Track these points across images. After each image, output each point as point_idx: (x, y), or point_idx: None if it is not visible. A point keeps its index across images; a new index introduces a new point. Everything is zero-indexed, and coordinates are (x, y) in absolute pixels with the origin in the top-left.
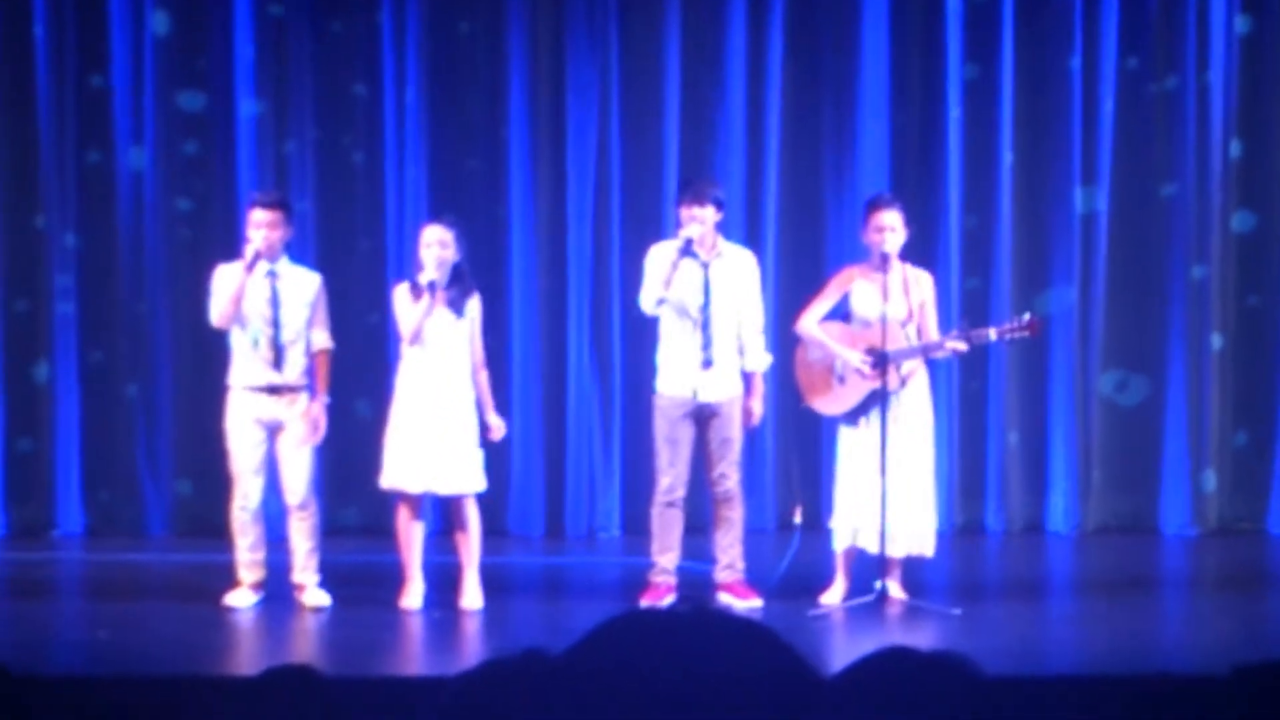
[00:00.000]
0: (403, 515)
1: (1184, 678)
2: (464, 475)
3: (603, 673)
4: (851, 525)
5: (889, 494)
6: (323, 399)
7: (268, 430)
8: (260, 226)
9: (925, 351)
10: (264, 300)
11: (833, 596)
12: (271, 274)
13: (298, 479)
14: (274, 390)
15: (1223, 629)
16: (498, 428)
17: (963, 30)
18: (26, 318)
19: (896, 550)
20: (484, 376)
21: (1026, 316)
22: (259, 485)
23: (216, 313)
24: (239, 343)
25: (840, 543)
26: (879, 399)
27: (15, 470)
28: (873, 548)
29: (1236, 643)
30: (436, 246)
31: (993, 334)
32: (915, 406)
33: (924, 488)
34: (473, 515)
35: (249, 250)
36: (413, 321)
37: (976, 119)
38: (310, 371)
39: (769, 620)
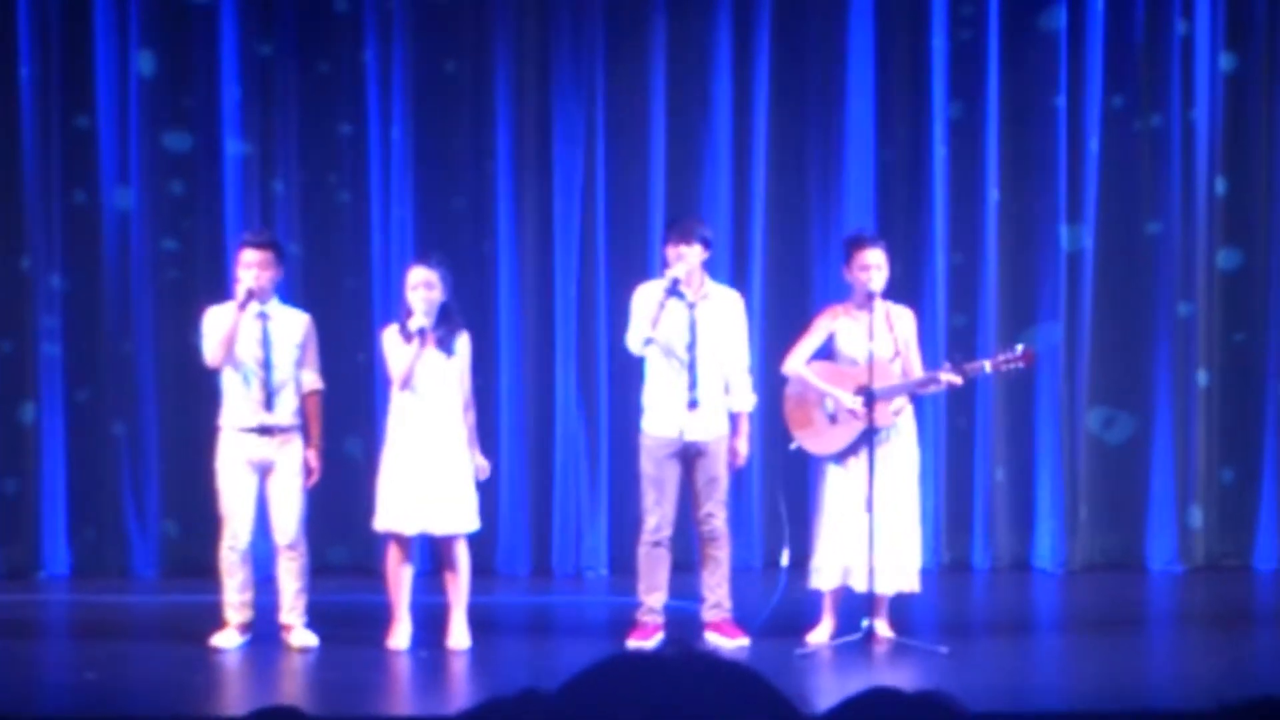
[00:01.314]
0: (393, 556)
1: (1171, 714)
2: (458, 515)
3: (592, 714)
4: (841, 565)
5: (877, 532)
6: (317, 444)
7: (258, 471)
8: (251, 266)
9: (915, 387)
10: (255, 341)
11: (820, 635)
12: (263, 315)
13: (287, 519)
14: (265, 431)
15: (1209, 666)
16: (482, 468)
17: (948, 68)
18: (12, 358)
19: (885, 588)
20: (471, 416)
21: (1020, 348)
22: (248, 525)
23: (210, 353)
24: (230, 384)
25: (827, 582)
26: (868, 437)
27: (1, 511)
28: (861, 586)
29: (1223, 679)
30: (423, 288)
31: (988, 366)
32: (902, 444)
33: (910, 525)
34: (463, 555)
35: (241, 289)
36: (403, 366)
37: (962, 157)
38: (301, 412)
39: (756, 660)
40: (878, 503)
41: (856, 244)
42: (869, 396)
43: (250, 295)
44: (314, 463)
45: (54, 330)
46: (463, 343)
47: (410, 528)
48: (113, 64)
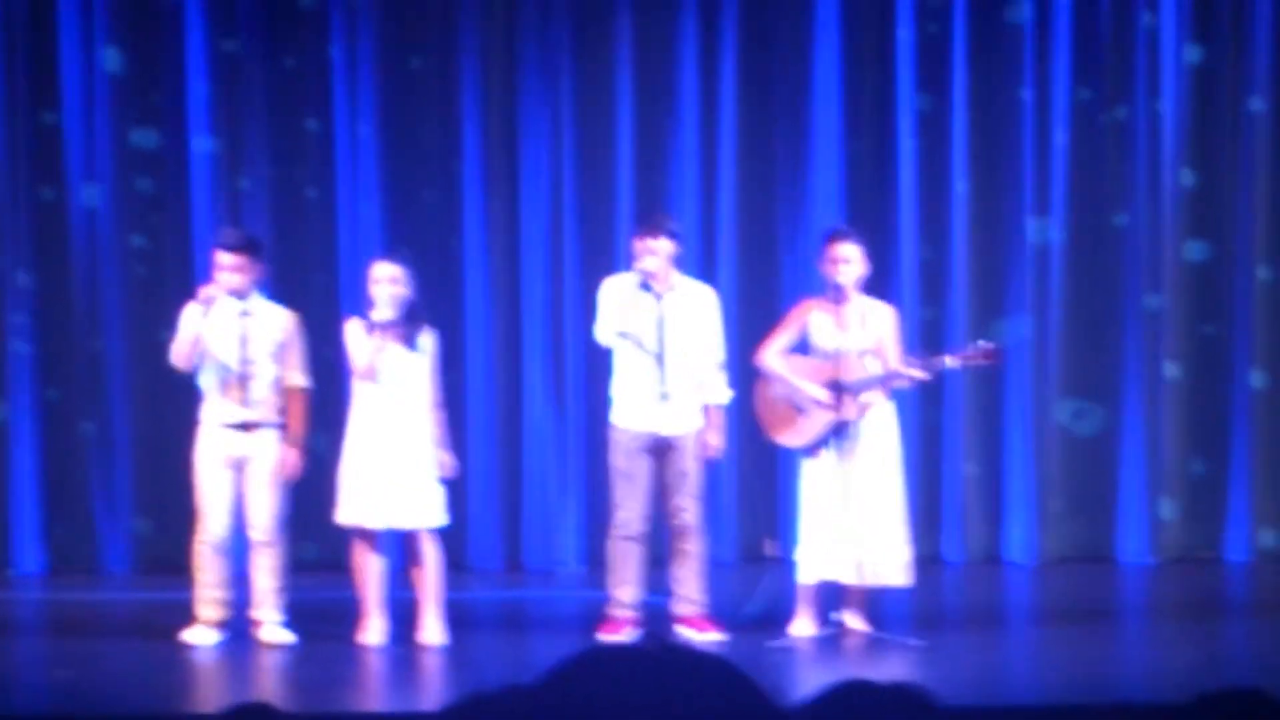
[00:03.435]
0: (359, 550)
1: (1145, 706)
2: (424, 509)
3: (571, 706)
4: (818, 558)
5: (853, 525)
6: (296, 441)
7: (235, 466)
8: (222, 269)
9: (884, 381)
10: (234, 338)
11: (799, 629)
12: (244, 313)
13: (263, 515)
14: (245, 427)
15: (1182, 657)
16: (449, 465)
17: (914, 61)
18: None
19: (863, 580)
20: (440, 415)
21: (984, 343)
22: (225, 521)
23: (177, 355)
24: (208, 380)
25: (808, 576)
26: (840, 430)
27: None
28: (841, 579)
29: (1196, 671)
30: (387, 283)
31: (950, 360)
32: (879, 436)
33: (894, 517)
34: (431, 550)
35: (202, 295)
36: (365, 357)
37: (930, 150)
38: (281, 409)
39: (729, 653)
40: (858, 497)
41: (830, 238)
42: (838, 389)
43: (209, 301)
44: (294, 460)
45: (23, 328)
46: (428, 340)
47: (374, 521)
48: (78, 61)
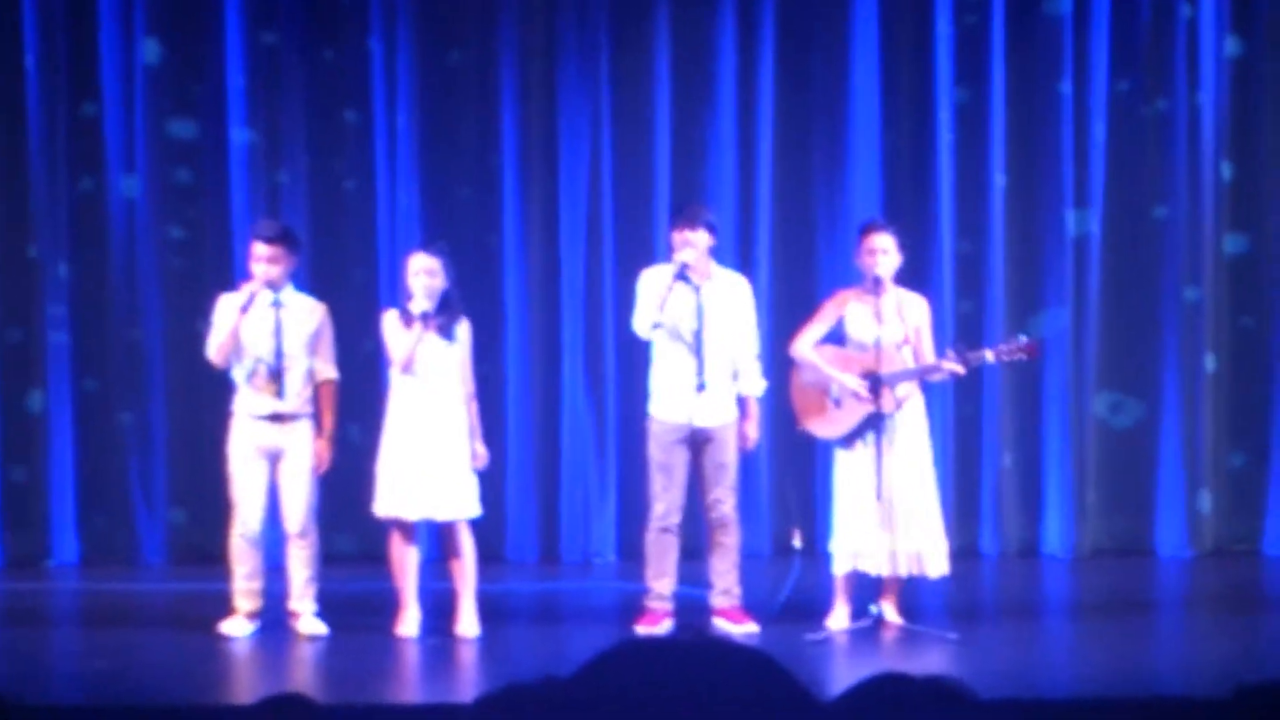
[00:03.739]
0: (396, 542)
1: (1182, 700)
2: (459, 501)
3: (607, 699)
4: (851, 549)
5: (887, 517)
6: (328, 433)
7: (269, 458)
8: (260, 261)
9: (921, 374)
10: (267, 330)
11: (836, 621)
12: (276, 304)
13: (297, 507)
14: (276, 418)
15: (1220, 651)
16: (481, 456)
17: (953, 54)
18: (19, 347)
19: (898, 571)
20: (474, 405)
21: (1024, 338)
22: (259, 512)
23: (213, 348)
24: (242, 372)
25: (840, 567)
26: (875, 422)
27: (9, 500)
28: (873, 571)
29: (1234, 665)
30: (424, 275)
31: (990, 355)
32: (911, 429)
33: (928, 509)
34: (467, 541)
35: (244, 290)
36: (403, 350)
37: (968, 142)
38: (314, 400)
39: (766, 646)
40: (891, 488)
41: (865, 229)
42: (874, 381)
43: (252, 297)
44: (324, 452)
45: (61, 318)
46: (463, 330)
47: (411, 512)
48: (118, 51)
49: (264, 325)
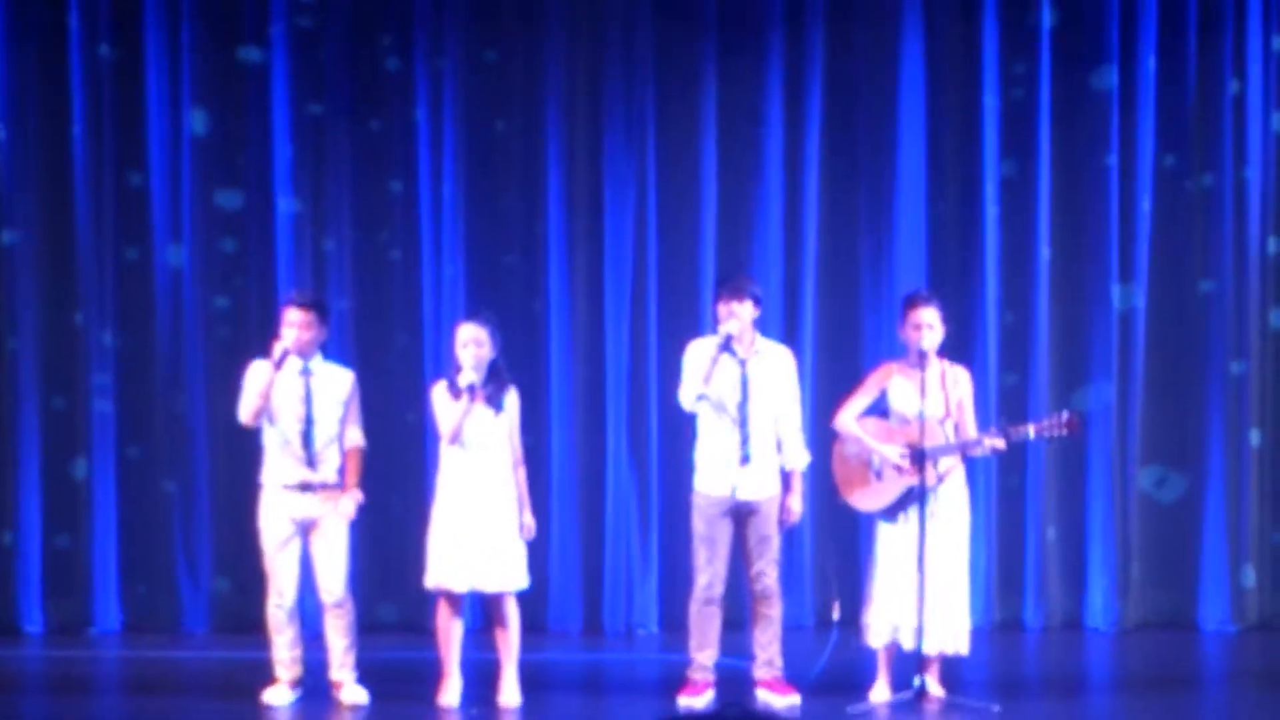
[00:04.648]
0: (444, 613)
1: None
2: (508, 572)
3: None
4: (891, 622)
5: (928, 590)
6: (354, 493)
7: (301, 528)
8: (292, 326)
9: (963, 449)
10: (297, 398)
11: (878, 694)
12: (305, 371)
13: (333, 577)
14: (307, 488)
15: None
16: (529, 528)
17: (999, 127)
18: (65, 415)
19: (933, 647)
20: (521, 473)
21: (1065, 415)
22: (294, 582)
23: (244, 409)
24: (272, 440)
25: (878, 639)
26: (917, 496)
27: (53, 567)
28: (910, 644)
29: None
30: (473, 345)
31: (1031, 431)
32: (952, 504)
33: (959, 585)
34: (513, 612)
35: (278, 348)
36: (452, 422)
37: (1014, 216)
38: (340, 469)
39: (809, 718)
40: (930, 562)
41: (910, 302)
42: (917, 455)
43: (285, 354)
44: (349, 509)
45: (106, 387)
46: (511, 399)
47: (460, 584)
48: (165, 121)
49: (294, 393)
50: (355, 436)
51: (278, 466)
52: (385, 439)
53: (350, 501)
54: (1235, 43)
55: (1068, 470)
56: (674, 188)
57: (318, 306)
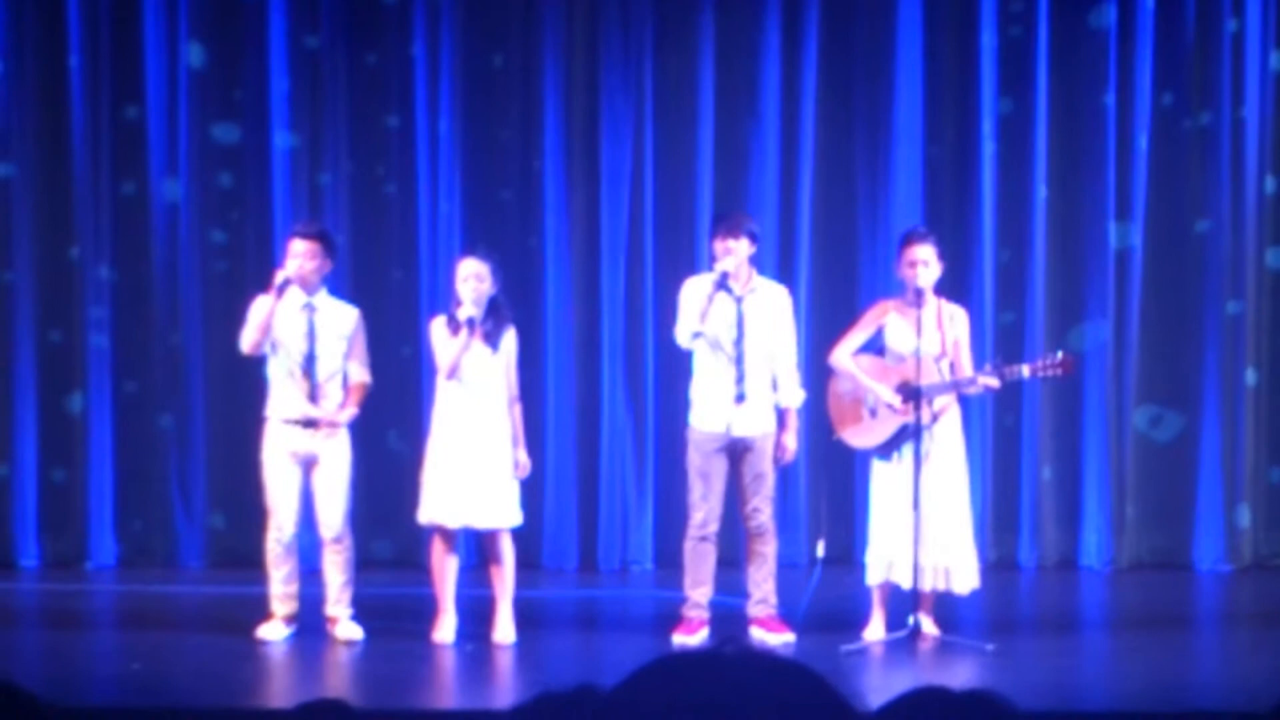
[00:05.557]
0: (438, 549)
1: (1221, 714)
2: (501, 509)
3: (648, 712)
4: (886, 560)
5: (922, 529)
6: (350, 410)
7: (303, 464)
8: (295, 256)
9: (958, 387)
10: (300, 334)
11: (873, 632)
12: (309, 307)
13: (332, 512)
14: (310, 424)
15: (1258, 666)
16: (524, 466)
17: (996, 65)
18: (60, 349)
19: (929, 585)
20: (517, 410)
21: (1060, 354)
22: (294, 518)
23: (245, 339)
24: (275, 375)
25: (874, 578)
26: (911, 434)
27: (49, 501)
28: (906, 583)
29: (1273, 679)
30: (473, 280)
31: (1026, 371)
32: (948, 442)
33: (961, 523)
34: (507, 549)
35: (279, 276)
36: (450, 357)
37: (1010, 154)
38: (342, 404)
39: (803, 656)
40: (925, 500)
41: (906, 240)
42: (912, 393)
43: (287, 283)
44: (341, 416)
45: (102, 321)
46: (509, 338)
47: (453, 520)
48: (162, 55)
49: (297, 328)
50: (359, 373)
51: (281, 400)
52: (381, 374)
53: (345, 415)
54: None
55: (1063, 410)
56: (671, 123)
57: (322, 237)
